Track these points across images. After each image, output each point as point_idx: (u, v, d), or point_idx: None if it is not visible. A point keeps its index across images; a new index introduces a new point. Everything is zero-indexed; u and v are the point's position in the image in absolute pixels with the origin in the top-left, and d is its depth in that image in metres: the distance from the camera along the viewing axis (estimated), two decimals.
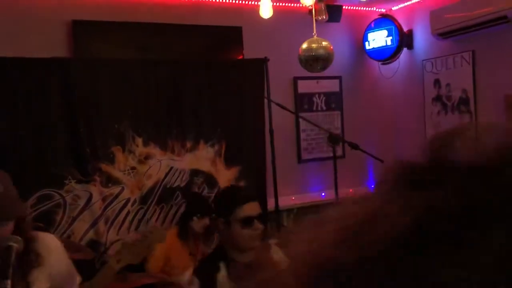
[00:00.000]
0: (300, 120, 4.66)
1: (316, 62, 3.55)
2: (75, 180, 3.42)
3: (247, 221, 1.90)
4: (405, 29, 4.88)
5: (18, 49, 3.43)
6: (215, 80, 3.97)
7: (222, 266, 1.92)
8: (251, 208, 1.92)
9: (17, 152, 3.27)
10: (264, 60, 4.20)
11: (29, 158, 3.29)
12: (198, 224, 3.38)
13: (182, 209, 3.78)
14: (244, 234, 1.90)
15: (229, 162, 4.04)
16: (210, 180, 3.96)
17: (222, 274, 1.90)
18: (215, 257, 1.99)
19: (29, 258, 1.51)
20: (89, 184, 3.47)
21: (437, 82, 4.69)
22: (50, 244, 1.66)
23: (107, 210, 3.53)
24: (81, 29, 3.69)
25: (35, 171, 3.25)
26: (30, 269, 1.51)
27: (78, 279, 1.81)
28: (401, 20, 4.88)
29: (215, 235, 3.56)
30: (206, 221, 3.40)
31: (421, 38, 4.84)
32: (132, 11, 3.91)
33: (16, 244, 1.37)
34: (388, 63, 5.03)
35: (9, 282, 1.24)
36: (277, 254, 1.99)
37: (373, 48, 4.97)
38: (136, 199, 3.65)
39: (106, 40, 3.79)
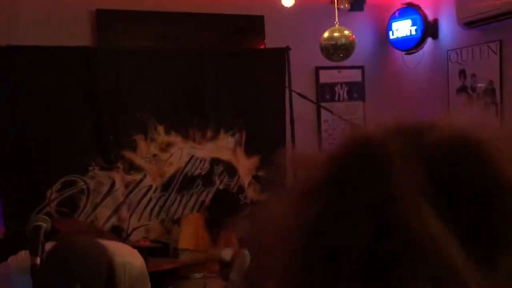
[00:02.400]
0: (322, 110, 4.63)
1: (337, 51, 3.52)
2: (98, 167, 3.49)
3: None
4: (430, 18, 4.77)
5: (43, 38, 3.49)
6: (236, 69, 3.98)
7: None
8: None
9: (43, 139, 3.36)
10: (286, 50, 4.19)
11: (54, 145, 3.37)
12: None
13: (202, 198, 3.83)
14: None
15: (249, 151, 4.06)
16: (230, 169, 3.99)
17: None
18: None
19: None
20: (112, 171, 3.54)
21: (462, 72, 4.59)
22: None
23: (129, 196, 3.60)
24: (104, 18, 3.74)
25: (60, 158, 3.33)
26: None
27: None
28: (426, 9, 4.77)
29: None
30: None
31: (447, 27, 4.73)
32: (154, 0, 3.93)
33: (44, 224, 1.42)
34: (412, 53, 4.94)
35: (38, 259, 1.29)
36: None
37: (397, 37, 4.88)
38: (157, 186, 3.71)
39: (129, 29, 3.83)
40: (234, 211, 3.54)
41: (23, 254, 1.61)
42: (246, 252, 1.95)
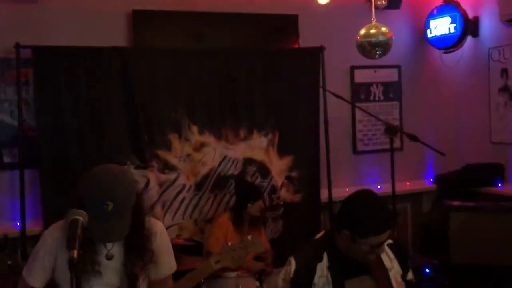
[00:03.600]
0: (356, 110, 4.55)
1: (374, 48, 3.44)
2: (133, 166, 3.54)
3: (376, 247, 1.84)
4: (470, 15, 4.62)
5: (80, 39, 3.57)
6: (270, 69, 3.96)
7: (325, 256, 1.91)
8: (385, 236, 1.84)
9: (79, 138, 3.43)
10: (320, 49, 4.14)
11: (90, 144, 3.44)
12: (253, 208, 3.40)
13: (235, 197, 3.82)
14: (368, 255, 1.86)
15: (282, 151, 4.03)
16: (263, 169, 3.97)
17: (324, 264, 1.90)
18: (320, 246, 1.96)
19: (147, 255, 1.80)
20: (147, 170, 3.58)
21: (504, 71, 4.42)
22: (163, 235, 1.91)
23: (163, 195, 3.64)
24: (141, 19, 3.79)
25: (96, 157, 3.40)
26: (147, 264, 1.82)
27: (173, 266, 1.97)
28: (466, 6, 4.62)
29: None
30: (261, 204, 3.43)
31: (488, 25, 4.57)
32: (189, 1, 3.96)
33: (81, 218, 1.45)
34: (451, 51, 4.79)
35: (75, 252, 1.31)
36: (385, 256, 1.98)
37: (435, 36, 4.75)
38: (191, 185, 3.73)
39: (165, 29, 3.87)
40: (249, 199, 3.46)
41: (58, 223, 1.80)
42: (293, 259, 1.93)
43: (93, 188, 1.67)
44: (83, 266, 1.69)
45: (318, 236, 2.04)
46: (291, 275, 1.89)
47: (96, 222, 1.65)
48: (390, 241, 2.01)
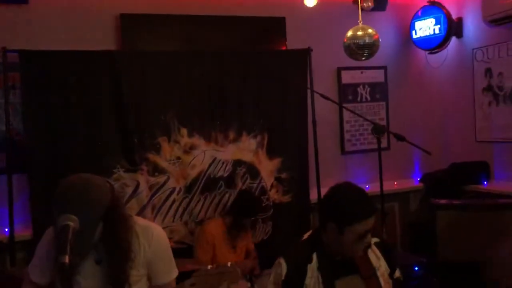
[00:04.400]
0: (344, 111, 4.60)
1: (361, 50, 3.49)
2: (123, 169, 3.54)
3: (363, 235, 1.87)
4: (454, 16, 4.69)
5: (69, 43, 3.56)
6: (258, 71, 3.98)
7: (314, 257, 1.93)
8: (370, 223, 1.87)
9: (68, 143, 3.42)
10: (307, 51, 4.18)
11: (80, 147, 3.43)
12: (249, 223, 3.52)
13: (225, 199, 3.84)
14: (355, 246, 1.88)
15: (271, 153, 4.06)
16: (253, 171, 3.99)
17: (313, 265, 1.92)
18: (308, 247, 1.97)
19: (130, 258, 1.75)
20: (137, 173, 3.58)
21: (488, 71, 4.50)
22: (161, 241, 1.86)
23: (153, 198, 3.64)
24: (128, 22, 3.79)
25: (86, 160, 3.39)
26: (129, 266, 1.75)
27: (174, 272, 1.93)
28: (450, 7, 4.70)
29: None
30: (257, 220, 3.52)
31: (472, 25, 4.65)
32: (177, 4, 3.97)
33: (72, 223, 1.45)
34: (436, 52, 4.86)
35: (67, 257, 1.31)
36: (373, 255, 2.01)
37: (420, 37, 4.82)
38: (181, 188, 3.74)
39: (153, 33, 3.88)
40: (257, 212, 3.58)
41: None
42: (283, 261, 1.94)
43: (56, 201, 1.63)
44: (71, 274, 1.68)
45: (305, 236, 2.06)
46: (283, 278, 1.91)
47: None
48: (376, 239, 2.05)
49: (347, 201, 1.88)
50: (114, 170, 3.50)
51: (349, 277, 1.94)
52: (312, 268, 1.91)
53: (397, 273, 2.09)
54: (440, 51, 4.85)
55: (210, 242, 3.38)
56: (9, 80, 3.39)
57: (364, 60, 3.67)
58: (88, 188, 1.66)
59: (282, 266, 1.92)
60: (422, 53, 4.97)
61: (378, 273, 1.99)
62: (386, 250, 2.07)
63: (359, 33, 3.52)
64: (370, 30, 3.54)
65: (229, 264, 1.95)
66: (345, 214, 1.85)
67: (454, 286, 3.55)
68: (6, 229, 3.37)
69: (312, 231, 2.06)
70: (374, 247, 2.02)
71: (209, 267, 1.94)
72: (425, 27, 4.78)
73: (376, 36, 3.56)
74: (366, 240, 1.89)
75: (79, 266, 1.74)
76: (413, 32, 4.88)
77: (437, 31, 4.70)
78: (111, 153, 3.50)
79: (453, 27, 4.68)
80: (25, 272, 1.85)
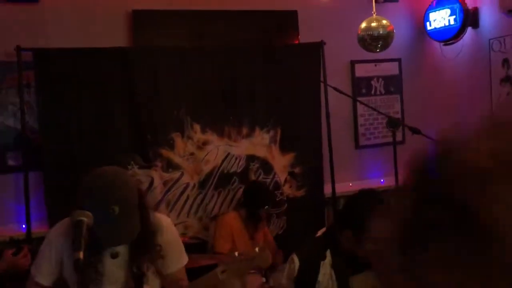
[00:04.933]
0: (358, 104, 4.55)
1: (375, 41, 3.44)
2: (137, 166, 3.55)
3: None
4: (469, 6, 4.61)
5: (81, 40, 3.58)
6: (271, 65, 3.96)
7: (328, 254, 1.93)
8: None
9: (83, 140, 3.44)
10: (320, 44, 4.14)
11: (93, 145, 3.45)
12: (265, 212, 3.47)
13: (238, 195, 3.83)
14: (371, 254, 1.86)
15: (284, 148, 4.04)
16: (266, 166, 3.98)
17: (327, 262, 1.92)
18: (322, 244, 1.97)
19: (154, 250, 1.80)
20: (151, 170, 3.59)
21: (505, 62, 4.41)
22: (171, 230, 1.93)
23: (167, 194, 3.65)
24: (141, 19, 3.80)
25: (100, 158, 3.39)
26: (156, 259, 1.82)
27: (185, 259, 1.99)
28: None
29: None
30: (271, 211, 3.48)
31: (488, 15, 4.56)
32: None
33: (86, 219, 1.46)
34: (451, 43, 4.78)
35: (81, 253, 1.32)
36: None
37: (435, 28, 4.74)
38: (195, 184, 3.74)
39: (165, 29, 3.88)
40: (269, 200, 3.52)
41: (63, 221, 1.82)
42: (296, 257, 1.94)
43: (95, 195, 1.66)
44: (87, 270, 1.70)
45: (319, 233, 2.06)
46: (295, 274, 1.90)
47: (103, 227, 1.65)
48: None
49: (367, 214, 1.82)
50: (128, 166, 3.51)
51: (364, 273, 1.93)
52: (326, 265, 1.92)
53: None
54: (456, 42, 4.76)
55: (229, 232, 3.38)
56: (23, 79, 3.42)
57: (378, 51, 3.63)
58: (123, 176, 1.74)
59: (295, 262, 1.92)
60: (436, 45, 4.90)
61: None
62: None
63: (373, 24, 3.47)
64: (384, 21, 3.49)
65: (257, 249, 1.94)
66: (362, 226, 1.81)
67: None
68: (24, 226, 3.41)
69: (326, 228, 2.05)
70: None
71: (236, 253, 1.94)
72: (440, 18, 4.70)
73: (391, 27, 3.51)
74: None
75: (99, 263, 1.76)
76: (428, 23, 4.80)
77: (452, 22, 4.62)
78: (125, 149, 3.52)
79: (469, 18, 4.59)
80: (15, 263, 1.88)
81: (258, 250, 1.94)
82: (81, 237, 1.37)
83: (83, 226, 1.42)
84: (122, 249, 1.80)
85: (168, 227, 1.92)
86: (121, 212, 1.64)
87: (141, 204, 1.78)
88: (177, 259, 1.93)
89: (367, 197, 1.93)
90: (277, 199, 4.00)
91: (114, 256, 1.79)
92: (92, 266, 1.73)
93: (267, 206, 3.45)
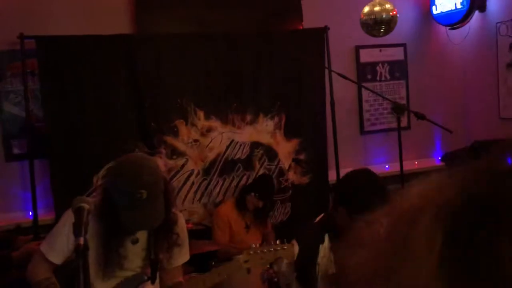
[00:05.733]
0: (363, 90, 4.52)
1: (378, 25, 3.40)
2: (141, 153, 3.56)
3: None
4: None
5: (84, 27, 3.57)
6: (274, 52, 3.93)
7: (326, 237, 1.96)
8: None
9: (87, 127, 3.45)
10: (324, 30, 4.10)
11: (98, 132, 3.46)
12: (251, 201, 3.44)
13: (243, 181, 3.84)
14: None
15: (289, 134, 4.03)
16: (270, 153, 3.98)
17: (325, 245, 1.95)
18: (321, 228, 2.00)
19: (173, 238, 1.84)
20: (155, 157, 3.59)
21: None
22: (183, 226, 1.97)
23: (172, 180, 3.66)
24: (143, 5, 3.78)
25: (104, 145, 3.42)
26: (173, 247, 1.85)
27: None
28: None
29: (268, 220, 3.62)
30: (260, 203, 3.44)
31: None
32: None
33: (87, 205, 1.47)
34: (457, 27, 4.72)
35: (82, 239, 1.33)
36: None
37: (441, 12, 4.68)
38: (199, 170, 3.75)
39: (167, 15, 3.86)
40: (254, 189, 3.50)
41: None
42: (295, 242, 1.96)
43: (123, 179, 1.68)
44: (108, 254, 1.74)
45: (317, 218, 2.08)
46: (295, 257, 1.93)
47: (130, 212, 1.67)
48: None
49: (360, 190, 1.87)
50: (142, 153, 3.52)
51: None
52: (325, 248, 1.94)
53: None
54: (462, 26, 4.70)
55: (226, 222, 3.41)
56: (27, 67, 3.42)
57: (381, 36, 3.59)
58: (151, 163, 1.77)
59: (294, 247, 1.94)
60: (442, 29, 4.84)
61: None
62: None
63: (376, 8, 3.43)
64: (387, 5, 3.45)
65: (278, 241, 1.96)
66: (356, 202, 1.85)
67: None
68: (30, 213, 3.45)
69: (324, 213, 2.07)
70: None
71: (258, 245, 1.96)
72: (446, 2, 4.63)
73: (394, 12, 3.47)
74: None
75: (121, 248, 1.79)
76: (434, 7, 4.73)
77: (458, 6, 4.56)
78: (129, 137, 3.53)
79: (476, 1, 4.52)
80: (33, 250, 1.89)
81: (279, 243, 1.95)
82: (82, 223, 1.38)
83: (84, 212, 1.43)
84: (141, 236, 1.83)
85: (182, 222, 1.96)
86: (148, 197, 1.66)
87: (166, 192, 1.80)
88: (182, 255, 1.97)
89: (361, 175, 1.95)
90: (281, 186, 4.01)
91: (135, 241, 1.81)
92: (114, 251, 1.76)
93: (253, 194, 3.43)
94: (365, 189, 1.86)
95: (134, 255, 1.83)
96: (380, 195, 1.85)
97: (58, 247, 1.81)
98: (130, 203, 1.66)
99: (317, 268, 1.92)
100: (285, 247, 1.92)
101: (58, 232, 1.83)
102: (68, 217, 1.82)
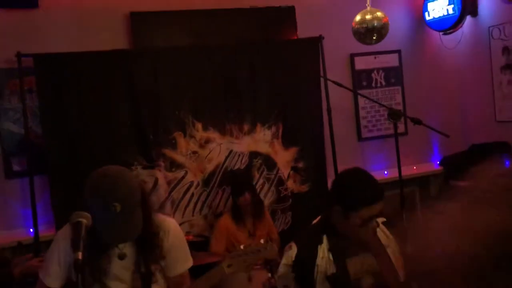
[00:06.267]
0: (359, 97, 4.56)
1: (370, 33, 3.44)
2: (141, 166, 3.58)
3: (367, 220, 1.90)
4: None
5: (81, 43, 3.61)
6: (270, 62, 3.97)
7: (325, 238, 1.97)
8: (376, 209, 1.91)
9: (86, 142, 3.47)
10: (319, 39, 4.14)
11: (97, 146, 3.47)
12: (242, 202, 3.46)
13: None
14: (360, 229, 1.91)
15: (287, 143, 4.05)
16: (269, 162, 3.99)
17: (324, 246, 1.95)
18: (318, 230, 2.02)
19: (159, 248, 1.82)
20: (154, 169, 3.61)
21: (506, 49, 4.40)
22: (177, 231, 1.93)
23: (172, 193, 3.67)
24: (138, 20, 3.82)
25: (103, 158, 3.42)
26: (160, 259, 1.84)
27: (190, 262, 1.98)
28: None
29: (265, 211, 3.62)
30: (247, 196, 3.45)
31: (487, 3, 4.54)
32: (186, 0, 3.98)
33: (84, 220, 1.47)
34: (450, 33, 4.77)
35: (80, 254, 1.33)
36: (382, 234, 2.04)
37: (434, 18, 4.73)
38: (199, 182, 3.76)
39: (163, 30, 3.89)
40: (241, 189, 3.50)
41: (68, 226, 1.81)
42: (293, 244, 1.96)
43: (96, 193, 1.68)
44: (92, 272, 1.73)
45: (315, 221, 2.10)
46: (293, 259, 1.94)
47: (106, 225, 1.67)
48: (384, 219, 2.07)
49: (353, 187, 1.91)
50: (132, 167, 3.54)
51: (360, 255, 1.97)
52: (323, 248, 1.94)
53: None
54: (455, 31, 4.75)
55: (224, 233, 3.42)
56: (25, 84, 3.45)
57: (373, 44, 3.63)
58: (126, 175, 1.74)
59: (292, 248, 1.95)
60: (436, 35, 4.89)
61: (389, 251, 2.01)
62: None
63: (368, 16, 3.48)
64: (378, 13, 3.49)
65: (262, 241, 1.96)
66: (350, 199, 1.88)
67: None
68: (31, 230, 3.45)
69: (321, 215, 2.08)
70: (382, 226, 2.05)
71: (242, 246, 1.95)
72: (439, 8, 4.69)
73: (385, 19, 3.51)
74: (372, 225, 1.91)
75: (108, 264, 1.78)
76: (426, 13, 4.79)
77: (450, 11, 4.61)
78: (128, 150, 3.55)
79: (467, 6, 4.57)
80: (33, 267, 1.89)
81: (263, 241, 1.95)
82: (80, 238, 1.39)
83: (82, 227, 1.43)
84: (129, 250, 1.82)
85: (174, 230, 1.92)
86: (122, 210, 1.66)
87: (144, 204, 1.79)
88: (182, 262, 1.94)
89: (352, 173, 1.99)
90: (281, 195, 4.02)
91: (122, 257, 1.80)
92: (98, 267, 1.75)
93: (236, 195, 3.44)
94: (358, 186, 1.90)
95: (123, 270, 1.82)
96: (372, 191, 1.90)
97: (53, 272, 1.81)
98: (104, 216, 1.65)
99: (316, 269, 1.92)
100: (267, 247, 1.92)
101: (50, 258, 1.83)
102: (56, 242, 1.83)
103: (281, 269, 2.00)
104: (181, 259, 1.93)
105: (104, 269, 1.77)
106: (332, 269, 1.91)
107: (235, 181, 3.64)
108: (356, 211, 1.86)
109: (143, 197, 1.79)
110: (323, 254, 1.93)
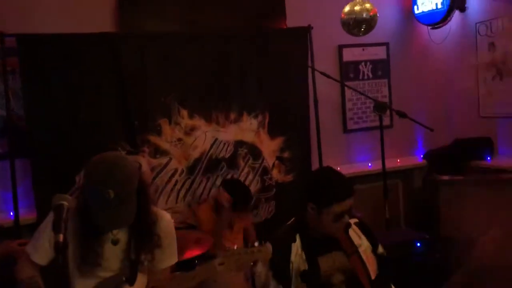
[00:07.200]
0: (346, 89, 4.57)
1: (359, 25, 3.44)
2: (125, 152, 3.54)
3: (340, 216, 2.00)
4: None
5: (67, 25, 3.54)
6: (258, 51, 3.95)
7: (298, 237, 2.08)
8: (347, 204, 2.01)
9: (69, 126, 3.42)
10: (308, 29, 4.13)
11: (80, 130, 3.43)
12: (241, 216, 3.38)
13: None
14: (333, 225, 2.02)
15: (273, 132, 4.05)
16: (254, 151, 3.99)
17: (297, 244, 2.06)
18: (293, 229, 2.13)
19: (153, 238, 1.84)
20: (138, 155, 3.58)
21: (491, 45, 4.44)
22: (169, 227, 1.96)
23: (156, 179, 3.66)
24: (126, 3, 3.76)
25: (87, 143, 3.38)
26: (154, 248, 1.85)
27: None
28: None
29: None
30: (250, 216, 3.47)
31: None
32: None
33: (66, 203, 1.47)
34: (438, 27, 4.79)
35: (61, 236, 1.34)
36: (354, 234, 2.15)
37: (423, 12, 4.74)
38: (183, 169, 3.75)
39: (151, 14, 3.84)
40: (247, 211, 3.47)
41: None
42: (269, 245, 1.99)
43: (92, 179, 1.70)
44: (86, 253, 1.74)
45: (289, 222, 2.23)
46: (269, 256, 2.00)
47: (101, 211, 1.68)
48: (356, 220, 2.21)
49: (325, 184, 2.03)
50: (119, 152, 3.50)
51: (332, 253, 2.08)
52: (296, 246, 2.06)
53: (380, 249, 2.23)
54: (443, 26, 4.78)
55: (210, 214, 3.43)
56: (8, 65, 3.38)
57: (362, 35, 3.63)
58: (122, 162, 1.75)
59: (269, 249, 2.01)
60: (424, 29, 4.91)
61: (360, 250, 2.12)
62: (366, 229, 2.23)
63: (356, 8, 3.48)
64: (367, 5, 3.49)
65: (256, 243, 1.98)
66: (322, 196, 2.01)
67: (457, 263, 3.56)
68: (11, 213, 3.41)
69: (296, 216, 2.21)
70: (354, 227, 2.17)
71: (235, 247, 1.97)
72: (427, 2, 4.70)
73: (374, 11, 3.51)
74: (343, 220, 2.03)
75: (99, 248, 1.79)
76: (415, 7, 4.80)
77: (439, 6, 4.63)
78: (112, 135, 3.51)
79: (456, 1, 4.60)
80: (20, 251, 1.88)
81: (257, 244, 1.97)
82: (61, 220, 1.39)
83: (63, 209, 1.43)
84: (122, 236, 1.82)
85: (168, 224, 1.95)
86: (117, 197, 1.66)
87: (141, 192, 1.79)
88: (169, 257, 1.96)
89: (324, 172, 2.14)
90: (265, 184, 4.03)
91: (115, 242, 1.81)
92: (92, 250, 1.76)
93: (248, 214, 3.44)
94: (330, 184, 2.02)
95: (114, 255, 1.83)
96: (343, 188, 2.02)
97: (41, 248, 1.81)
98: (98, 202, 1.67)
99: (291, 266, 2.02)
100: (261, 249, 1.93)
101: (40, 233, 1.83)
102: (50, 218, 1.82)
103: (259, 268, 2.06)
104: (168, 255, 1.95)
105: (97, 252, 1.78)
106: (305, 266, 2.02)
107: (242, 199, 3.42)
108: (328, 207, 1.98)
109: (141, 185, 1.79)
110: (297, 251, 2.04)
